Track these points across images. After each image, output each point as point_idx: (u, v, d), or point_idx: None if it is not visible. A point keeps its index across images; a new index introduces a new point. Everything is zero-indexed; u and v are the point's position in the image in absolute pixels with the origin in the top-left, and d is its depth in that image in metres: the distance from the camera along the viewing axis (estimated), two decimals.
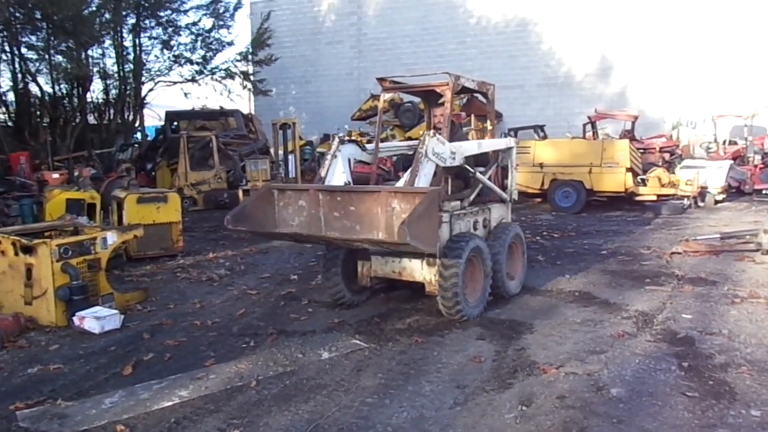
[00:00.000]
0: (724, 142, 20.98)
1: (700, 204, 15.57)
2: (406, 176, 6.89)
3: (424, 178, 6.32)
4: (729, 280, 8.11)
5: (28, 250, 6.75)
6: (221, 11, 26.89)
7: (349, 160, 7.11)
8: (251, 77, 27.75)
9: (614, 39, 26.74)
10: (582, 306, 7.16)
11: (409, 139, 17.11)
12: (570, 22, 27.40)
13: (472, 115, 16.18)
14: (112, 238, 7.36)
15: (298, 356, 5.71)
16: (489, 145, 7.83)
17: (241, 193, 15.63)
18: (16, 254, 6.83)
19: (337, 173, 6.88)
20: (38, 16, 20.73)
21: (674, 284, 8.03)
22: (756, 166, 18.41)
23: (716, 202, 15.88)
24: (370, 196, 6.33)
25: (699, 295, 7.45)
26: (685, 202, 15.34)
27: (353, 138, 7.98)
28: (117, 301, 7.16)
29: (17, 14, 20.78)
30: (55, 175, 15.28)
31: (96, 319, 6.45)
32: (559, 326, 6.41)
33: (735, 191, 17.43)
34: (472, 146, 7.43)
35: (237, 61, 27.40)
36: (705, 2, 25.06)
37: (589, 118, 20.71)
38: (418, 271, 6.80)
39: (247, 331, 6.48)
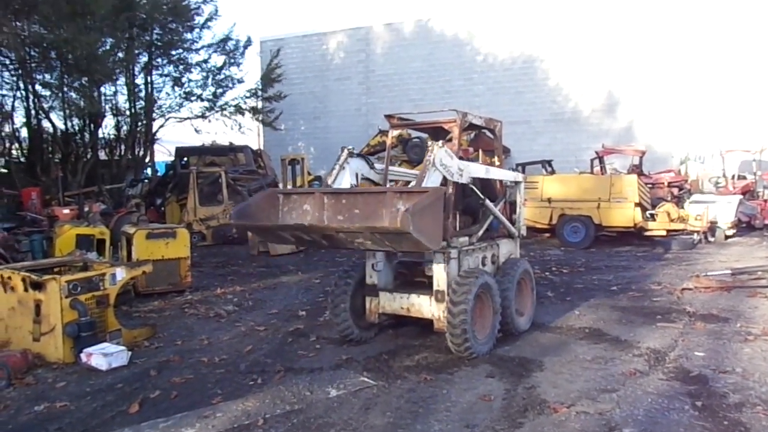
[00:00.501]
0: (733, 177, 20.96)
1: (710, 239, 15.48)
2: (411, 184, 6.84)
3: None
4: (741, 317, 8.02)
5: (38, 286, 6.75)
6: (232, 49, 27.30)
7: (357, 175, 7.11)
8: (261, 112, 28.09)
9: (621, 74, 26.91)
10: (592, 343, 7.08)
11: None
12: (576, 58, 27.63)
13: (480, 151, 16.26)
14: (121, 274, 7.36)
15: (305, 394, 5.65)
16: (497, 173, 7.81)
17: None
18: (26, 290, 6.83)
19: (344, 183, 6.88)
20: (53, 55, 21.09)
21: (686, 321, 7.94)
22: (766, 200, 18.35)
23: (726, 237, 15.78)
24: (375, 197, 6.24)
25: (711, 333, 7.36)
26: (695, 237, 15.25)
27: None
28: (125, 338, 7.14)
29: (32, 53, 21.16)
30: (66, 211, 15.36)
31: (103, 356, 6.42)
32: (570, 364, 6.33)
33: (745, 226, 17.33)
34: (480, 169, 7.40)
35: (247, 97, 27.77)
36: (713, 37, 25.22)
37: (596, 153, 20.75)
38: (427, 307, 6.77)
39: (255, 368, 6.43)
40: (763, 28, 24.78)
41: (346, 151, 7.13)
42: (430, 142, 6.47)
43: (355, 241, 6.03)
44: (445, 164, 6.44)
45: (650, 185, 18.34)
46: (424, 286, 7.00)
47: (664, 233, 15.38)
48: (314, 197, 6.49)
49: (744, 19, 24.99)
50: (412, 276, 7.34)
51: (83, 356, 6.51)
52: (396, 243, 5.81)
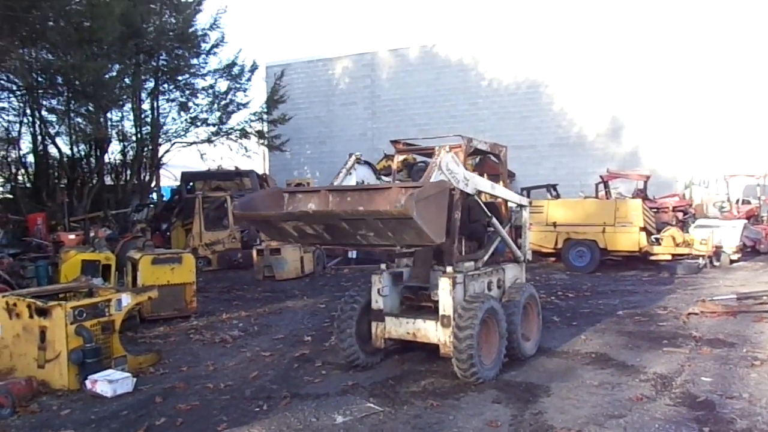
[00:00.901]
0: (738, 202, 20.95)
1: (716, 263, 15.44)
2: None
3: None
4: (748, 342, 7.98)
5: (43, 313, 6.77)
6: (237, 74, 27.55)
7: (363, 182, 7.12)
8: (266, 136, 28.27)
9: (625, 99, 27.01)
10: (599, 368, 7.05)
11: None
12: (581, 83, 27.77)
13: (485, 175, 16.27)
14: (127, 300, 7.38)
15: (311, 420, 5.64)
16: (502, 191, 7.82)
17: (255, 253, 15.72)
18: (31, 317, 6.84)
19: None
20: (60, 81, 21.30)
21: (692, 346, 7.90)
22: None
23: (731, 261, 15.74)
24: (380, 193, 6.13)
25: (718, 358, 7.32)
26: (700, 261, 15.22)
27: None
28: (130, 364, 7.14)
29: (40, 79, 21.38)
30: (71, 236, 15.44)
31: (108, 383, 6.41)
32: (577, 389, 6.31)
33: (750, 250, 17.28)
34: (486, 184, 7.37)
35: (252, 120, 27.98)
36: (716, 62, 25.36)
37: (601, 177, 20.76)
38: (433, 332, 6.76)
39: (260, 395, 6.42)
40: (766, 54, 24.91)
41: (353, 157, 7.16)
42: (437, 148, 6.41)
43: (357, 233, 5.96)
44: (451, 169, 6.45)
45: (655, 210, 18.32)
46: (430, 311, 6.99)
47: (669, 257, 15.35)
48: (319, 195, 6.42)
49: (747, 44, 25.14)
50: (417, 301, 7.33)
51: (88, 383, 6.51)
52: (399, 234, 5.74)
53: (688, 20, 26.27)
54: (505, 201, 8.13)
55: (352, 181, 7.05)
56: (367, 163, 7.46)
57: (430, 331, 6.80)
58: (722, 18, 25.75)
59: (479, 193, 7.16)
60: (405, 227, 5.56)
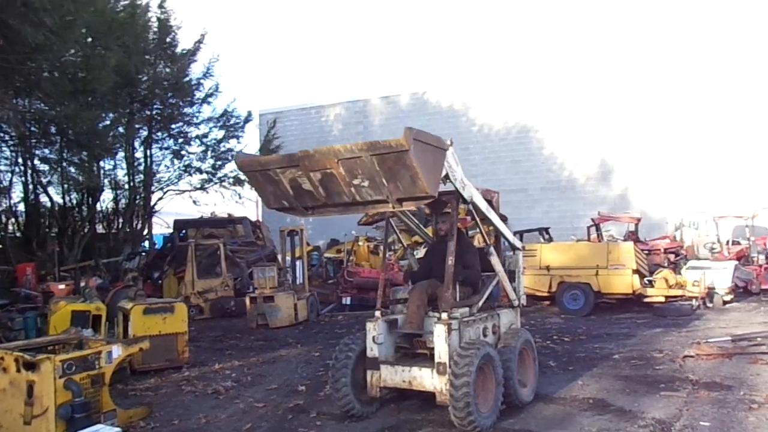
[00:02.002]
0: (728, 243, 21.03)
1: (709, 305, 15.41)
2: None
3: None
4: (744, 385, 7.91)
5: (31, 367, 6.60)
6: (231, 123, 27.77)
7: None
8: None
9: (614, 143, 27.38)
10: (597, 414, 6.95)
11: (415, 243, 17.17)
12: (570, 127, 28.15)
13: (478, 219, 16.32)
14: (118, 351, 7.25)
15: None
16: (496, 218, 7.76)
17: (248, 301, 15.59)
18: (18, 371, 6.66)
19: None
20: (53, 130, 21.39)
21: (689, 389, 7.83)
22: (761, 266, 18.35)
23: (724, 302, 15.71)
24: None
25: (715, 401, 7.24)
26: (694, 303, 15.20)
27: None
28: (120, 418, 6.97)
29: (33, 129, 21.45)
30: (61, 286, 15.30)
31: None
32: None
33: (742, 291, 17.27)
34: (482, 202, 7.28)
35: None
36: (703, 105, 25.78)
37: (593, 220, 20.88)
38: (429, 380, 6.66)
39: None
40: (752, 97, 25.34)
41: None
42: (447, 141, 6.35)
43: (352, 183, 5.88)
44: (450, 164, 6.42)
45: (647, 252, 18.36)
46: (426, 358, 6.91)
47: (662, 299, 15.33)
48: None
49: (734, 89, 25.60)
50: (413, 348, 7.24)
51: None
52: (394, 181, 5.69)
53: (675, 65, 26.79)
54: (497, 242, 8.09)
55: None
56: None
57: (426, 379, 6.70)
58: (709, 63, 26.27)
59: (474, 227, 7.10)
60: (401, 169, 5.53)
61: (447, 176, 6.48)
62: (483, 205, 7.25)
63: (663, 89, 26.71)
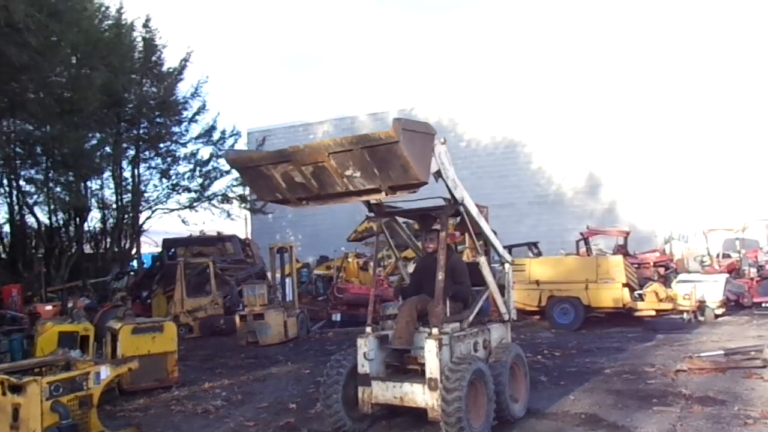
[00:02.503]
0: (718, 256, 21.12)
1: (700, 318, 15.41)
2: None
3: None
4: (739, 399, 7.88)
5: (17, 389, 6.53)
6: (218, 140, 27.78)
7: None
8: (248, 200, 28.36)
9: (601, 156, 27.56)
10: (590, 429, 6.93)
11: (405, 258, 17.14)
12: (557, 141, 28.34)
13: (466, 234, 16.33)
14: (106, 372, 7.18)
15: None
16: (486, 225, 7.76)
17: (237, 319, 15.53)
18: (4, 394, 6.60)
19: None
20: (39, 151, 21.32)
21: (683, 404, 7.80)
22: (753, 279, 18.42)
23: (716, 316, 15.72)
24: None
25: (709, 416, 7.21)
26: (685, 316, 15.21)
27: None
28: None
29: (18, 150, 21.38)
30: (48, 308, 15.15)
31: None
32: None
33: (734, 304, 17.30)
34: (473, 207, 7.30)
35: (234, 186, 28.07)
36: (691, 119, 26.02)
37: (581, 234, 20.93)
38: (420, 396, 6.63)
39: None
40: (740, 111, 25.61)
41: None
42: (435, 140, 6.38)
43: (344, 174, 5.91)
44: (443, 161, 6.47)
45: (636, 265, 18.43)
46: (417, 374, 6.89)
47: (653, 313, 15.34)
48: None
49: (722, 103, 25.87)
50: (404, 364, 7.22)
51: None
52: (385, 170, 5.74)
53: (663, 79, 27.04)
54: (488, 253, 8.07)
55: None
56: None
57: (417, 394, 6.66)
58: (696, 76, 26.54)
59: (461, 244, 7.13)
60: (392, 158, 5.57)
61: (439, 173, 6.52)
62: (474, 210, 7.27)
63: (650, 102, 26.95)
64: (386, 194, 6.08)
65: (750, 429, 6.69)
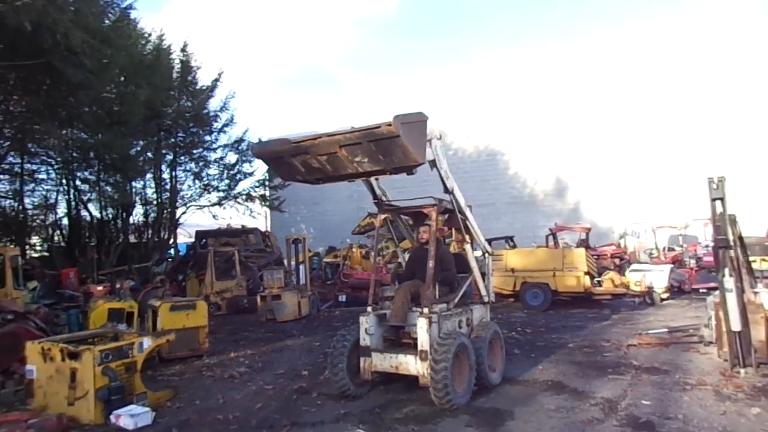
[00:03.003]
0: (664, 249, 21.17)
1: (648, 301, 15.47)
2: None
3: None
4: (679, 369, 7.93)
5: (74, 356, 6.59)
6: (244, 149, 27.74)
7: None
8: (268, 199, 28.33)
9: (568, 165, 27.60)
10: (555, 394, 6.96)
11: (404, 249, 17.17)
12: (531, 151, 28.37)
13: (453, 229, 16.34)
14: (148, 342, 7.22)
15: None
16: (471, 216, 7.75)
17: (259, 299, 15.55)
18: (63, 360, 6.66)
19: None
20: (92, 156, 21.34)
21: (633, 373, 7.84)
22: (692, 269, 18.48)
23: (662, 299, 15.77)
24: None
25: (655, 383, 7.27)
26: (636, 300, 15.27)
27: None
28: (149, 400, 6.93)
29: (75, 155, 21.40)
30: (99, 288, 15.17)
31: (131, 417, 6.22)
32: (537, 413, 6.21)
33: (677, 290, 17.35)
34: (461, 198, 7.39)
35: (256, 187, 28.05)
36: (643, 132, 26.05)
37: (550, 230, 20.92)
38: (413, 365, 6.66)
39: (265, 424, 6.24)
40: (681, 125, 25.65)
41: None
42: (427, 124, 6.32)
43: (354, 160, 5.95)
44: (438, 154, 6.54)
45: (596, 256, 18.44)
46: (410, 346, 6.92)
47: (610, 297, 15.38)
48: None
49: (670, 114, 25.90)
50: (399, 338, 7.25)
51: (113, 417, 6.30)
52: (389, 156, 5.78)
53: (618, 98, 27.06)
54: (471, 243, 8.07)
55: None
56: None
57: (410, 364, 6.70)
58: (647, 95, 26.56)
59: (451, 235, 7.16)
60: (394, 147, 5.60)
61: (434, 162, 6.56)
62: (462, 200, 7.30)
63: (608, 118, 26.99)
64: (390, 173, 6.13)
65: (688, 394, 6.74)
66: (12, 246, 19.94)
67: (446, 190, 6.97)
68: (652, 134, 26.02)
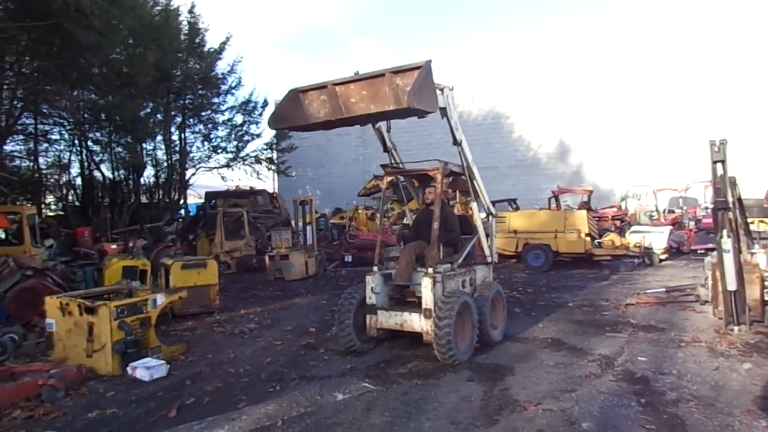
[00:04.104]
0: (664, 211, 21.12)
1: (647, 262, 15.52)
2: None
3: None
4: (675, 327, 8.00)
5: (91, 311, 6.70)
6: (251, 110, 27.57)
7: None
8: (275, 162, 28.28)
9: (571, 128, 27.29)
10: (554, 351, 7.05)
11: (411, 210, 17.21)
12: (535, 115, 28.03)
13: (457, 191, 16.31)
14: (161, 299, 7.32)
15: (317, 398, 5.60)
16: (477, 172, 7.74)
17: (267, 258, 15.65)
18: (81, 314, 6.77)
19: None
20: (103, 117, 21.28)
21: (630, 331, 7.92)
22: (691, 230, 18.46)
23: (660, 260, 15.82)
24: (378, 78, 6.03)
25: (651, 341, 7.35)
26: (635, 261, 15.31)
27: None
28: (164, 353, 7.07)
29: (86, 116, 21.33)
30: (113, 246, 15.30)
31: (146, 369, 6.36)
32: (536, 369, 6.30)
33: (675, 251, 17.38)
34: (468, 154, 7.39)
35: (264, 149, 27.97)
36: (646, 96, 25.67)
37: (553, 192, 20.88)
38: (417, 322, 6.75)
39: (274, 377, 6.36)
40: (687, 87, 25.25)
41: None
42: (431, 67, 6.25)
43: (370, 117, 6.15)
44: (449, 103, 6.52)
45: (597, 218, 18.42)
46: (415, 305, 6.99)
47: (609, 258, 15.43)
48: (328, 90, 6.26)
49: (671, 80, 25.48)
50: (404, 297, 7.32)
51: (129, 369, 6.45)
52: (402, 113, 5.89)
53: (622, 61, 26.59)
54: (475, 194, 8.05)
55: None
56: None
57: (414, 322, 6.78)
58: (649, 58, 26.08)
59: (457, 199, 7.17)
60: (409, 111, 5.69)
61: (445, 111, 6.55)
62: (469, 155, 7.27)
63: (611, 82, 26.58)
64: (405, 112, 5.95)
65: (683, 350, 6.81)
66: (29, 205, 20.09)
67: (455, 142, 6.90)
68: (655, 97, 25.65)
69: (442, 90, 6.36)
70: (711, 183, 7.90)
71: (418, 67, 5.74)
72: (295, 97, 6.50)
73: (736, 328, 7.40)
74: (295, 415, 5.16)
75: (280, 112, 6.56)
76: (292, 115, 6.49)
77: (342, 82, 6.21)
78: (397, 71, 5.89)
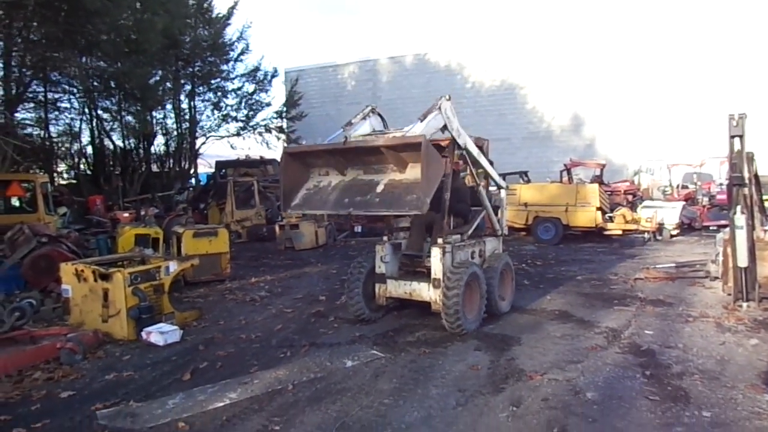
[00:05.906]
0: (678, 186, 20.99)
1: (658, 237, 15.50)
2: (416, 122, 6.49)
3: (427, 126, 6.29)
4: (683, 302, 8.05)
5: (105, 277, 6.85)
6: (261, 78, 27.47)
7: (373, 129, 7.17)
8: (285, 131, 28.27)
9: (585, 100, 27.01)
10: (561, 323, 7.14)
11: None
12: (549, 86, 27.72)
13: (470, 162, 16.30)
14: (173, 266, 7.45)
15: (326, 364, 5.74)
16: (485, 161, 7.71)
17: (277, 228, 15.78)
18: (95, 281, 6.92)
19: (361, 130, 6.96)
20: (113, 85, 21.28)
21: (638, 305, 7.98)
22: (704, 206, 18.37)
23: (671, 236, 15.80)
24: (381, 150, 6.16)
25: (658, 315, 7.41)
26: (646, 236, 15.30)
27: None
28: (177, 319, 7.23)
29: (95, 84, 21.34)
30: (125, 215, 15.49)
31: (160, 334, 6.52)
32: (543, 340, 6.41)
33: (687, 227, 17.32)
34: (473, 147, 7.30)
35: (274, 118, 27.96)
36: (660, 69, 25.28)
37: (565, 165, 20.80)
38: (426, 292, 6.86)
39: (284, 343, 6.51)
40: (703, 60, 24.82)
41: (369, 108, 7.22)
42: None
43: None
44: (449, 116, 6.49)
45: (609, 192, 18.38)
46: (424, 275, 7.08)
47: (620, 232, 15.43)
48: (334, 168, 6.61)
49: (689, 52, 25.04)
50: (413, 266, 7.40)
51: (144, 334, 6.61)
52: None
53: (637, 33, 26.14)
54: (487, 183, 8.11)
55: (365, 126, 7.07)
56: (379, 114, 7.43)
57: (423, 291, 6.89)
58: (667, 30, 25.62)
59: (466, 169, 7.23)
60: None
61: (445, 126, 6.51)
62: (474, 151, 7.27)
63: (627, 54, 26.17)
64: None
65: (690, 325, 6.88)
66: (41, 173, 20.29)
67: (459, 148, 6.94)
68: (671, 70, 25.23)
69: (439, 108, 6.36)
70: (727, 158, 7.87)
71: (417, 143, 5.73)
72: (293, 166, 6.78)
73: (745, 304, 7.44)
74: (305, 380, 5.31)
75: (288, 197, 6.81)
76: (309, 200, 6.71)
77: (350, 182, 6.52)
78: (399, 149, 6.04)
